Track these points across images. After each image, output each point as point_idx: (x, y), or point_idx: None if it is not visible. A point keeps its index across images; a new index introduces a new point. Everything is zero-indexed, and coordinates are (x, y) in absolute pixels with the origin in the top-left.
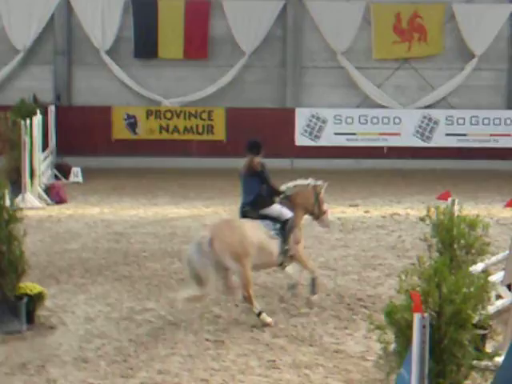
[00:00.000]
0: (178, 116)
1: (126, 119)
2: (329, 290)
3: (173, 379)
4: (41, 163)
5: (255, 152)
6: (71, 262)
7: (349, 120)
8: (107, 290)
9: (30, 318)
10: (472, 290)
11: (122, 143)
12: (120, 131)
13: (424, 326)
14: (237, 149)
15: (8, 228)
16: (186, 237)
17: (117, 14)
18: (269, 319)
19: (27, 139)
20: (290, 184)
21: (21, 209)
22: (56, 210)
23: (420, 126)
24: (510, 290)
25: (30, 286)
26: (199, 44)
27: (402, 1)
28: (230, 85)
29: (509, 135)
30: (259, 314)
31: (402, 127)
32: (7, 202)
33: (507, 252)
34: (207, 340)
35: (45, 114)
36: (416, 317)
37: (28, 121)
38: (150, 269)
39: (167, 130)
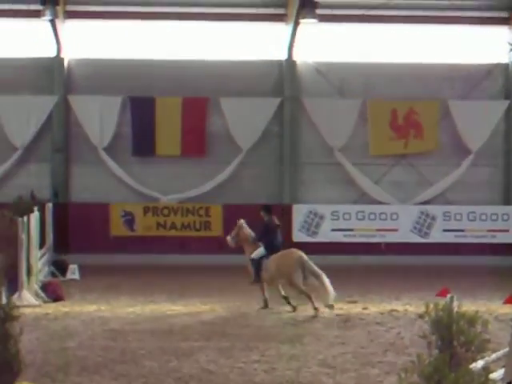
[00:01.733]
0: (176, 213)
1: (123, 216)
2: None
3: None
4: (38, 260)
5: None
6: (68, 360)
7: (346, 216)
8: None
9: None
10: None
11: (119, 240)
12: (118, 228)
13: None
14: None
15: (4, 326)
16: (183, 334)
17: (115, 111)
18: None
19: (24, 236)
20: None
21: (17, 307)
22: (53, 308)
23: (417, 222)
24: None
25: None
26: (197, 141)
27: (397, 97)
28: (227, 181)
29: (506, 231)
30: None
31: (400, 223)
32: (3, 300)
33: (507, 349)
34: None
35: (42, 211)
36: None
37: (25, 218)
38: (147, 367)
39: (164, 227)
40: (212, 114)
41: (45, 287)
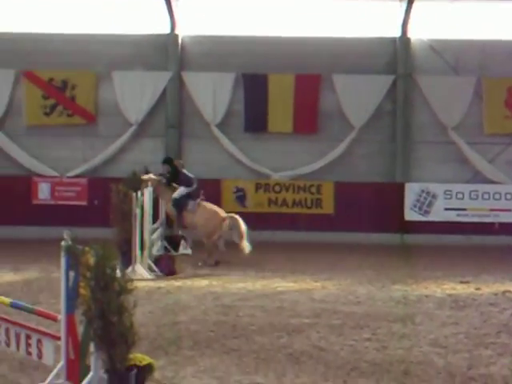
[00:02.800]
0: (287, 189)
1: (235, 192)
2: (439, 368)
3: None
4: (151, 235)
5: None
6: (180, 334)
7: (459, 195)
8: (215, 362)
9: None
10: None
11: None
12: (229, 204)
13: None
14: (345, 223)
15: (119, 299)
16: (293, 311)
17: (228, 88)
18: None
19: (138, 211)
20: None
21: (132, 280)
22: (165, 282)
23: None
24: None
25: (139, 357)
26: (309, 118)
27: None
28: (339, 159)
29: None
30: None
31: None
32: (118, 274)
33: None
34: None
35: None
36: None
37: (139, 193)
38: (258, 343)
39: (276, 203)
40: (324, 91)
41: (158, 261)
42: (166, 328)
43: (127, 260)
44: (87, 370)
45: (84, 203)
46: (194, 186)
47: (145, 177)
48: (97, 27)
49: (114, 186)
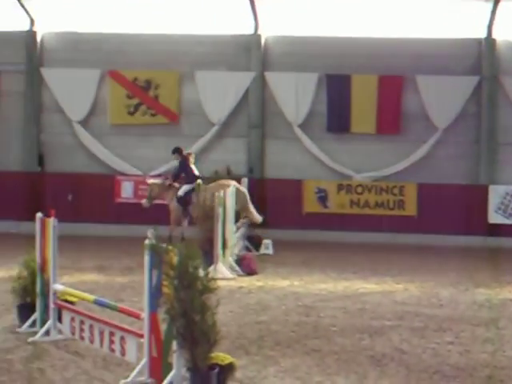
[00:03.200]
0: (369, 191)
1: (316, 193)
2: None
3: None
4: (233, 234)
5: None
6: (261, 334)
7: None
8: (297, 363)
9: None
10: None
11: (312, 216)
12: (311, 204)
13: None
14: (428, 225)
15: (202, 298)
16: (375, 313)
17: (310, 88)
18: None
19: (220, 210)
20: None
21: (214, 279)
22: (247, 282)
23: None
24: None
25: (221, 356)
26: (392, 119)
27: None
28: (422, 160)
29: None
30: None
31: None
32: (201, 273)
33: None
34: None
35: None
36: None
37: (222, 192)
38: (339, 344)
39: (358, 205)
40: (407, 92)
41: (239, 261)
42: (247, 327)
43: (209, 259)
44: (169, 367)
45: (166, 202)
46: (193, 184)
47: (149, 181)
48: (181, 27)
49: (197, 185)
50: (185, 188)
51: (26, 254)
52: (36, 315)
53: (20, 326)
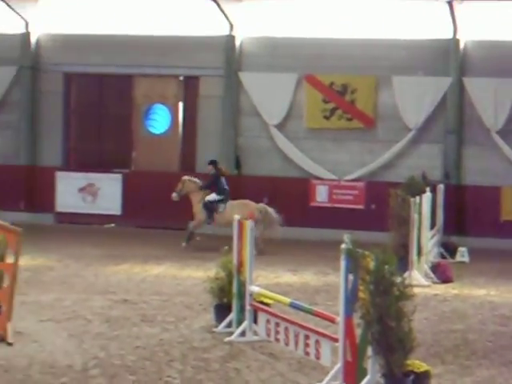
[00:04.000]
0: None
1: None
2: None
3: None
4: (428, 241)
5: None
6: (456, 343)
7: None
8: (493, 374)
9: None
10: None
11: (510, 224)
12: (509, 212)
13: None
14: None
15: (398, 304)
16: None
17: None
18: None
19: (416, 217)
20: None
21: (410, 285)
22: (442, 289)
23: None
24: None
25: (416, 363)
26: None
27: None
28: None
29: None
30: None
31: None
32: (397, 278)
33: None
34: None
35: (433, 192)
36: None
37: (417, 198)
38: None
39: None
40: None
41: (434, 268)
42: (442, 336)
43: (403, 265)
44: (364, 373)
45: (361, 207)
46: (223, 196)
47: (184, 177)
48: (378, 32)
49: (392, 190)
50: (213, 196)
51: (224, 255)
52: (232, 316)
53: (217, 326)
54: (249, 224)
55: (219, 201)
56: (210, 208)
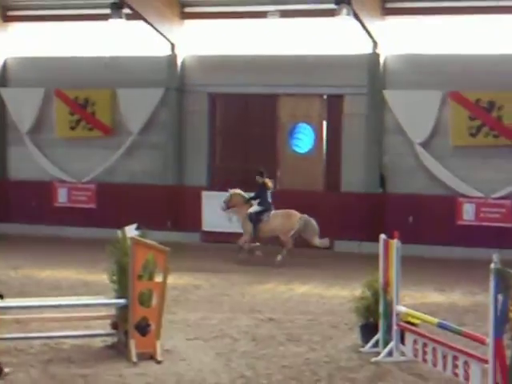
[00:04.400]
0: None
1: None
2: None
3: None
4: None
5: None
6: None
7: None
8: None
9: None
10: None
11: None
12: None
13: None
14: None
15: None
16: None
17: None
18: None
19: None
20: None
21: None
22: None
23: None
24: None
25: None
26: None
27: None
28: None
29: None
30: None
31: None
32: None
33: None
34: None
35: None
36: None
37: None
38: None
39: None
40: None
41: None
42: None
43: None
44: None
45: (509, 225)
46: (265, 207)
47: (231, 190)
48: None
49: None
50: (256, 208)
51: (369, 274)
52: (379, 336)
53: (363, 346)
54: (395, 243)
55: (262, 211)
56: (255, 219)
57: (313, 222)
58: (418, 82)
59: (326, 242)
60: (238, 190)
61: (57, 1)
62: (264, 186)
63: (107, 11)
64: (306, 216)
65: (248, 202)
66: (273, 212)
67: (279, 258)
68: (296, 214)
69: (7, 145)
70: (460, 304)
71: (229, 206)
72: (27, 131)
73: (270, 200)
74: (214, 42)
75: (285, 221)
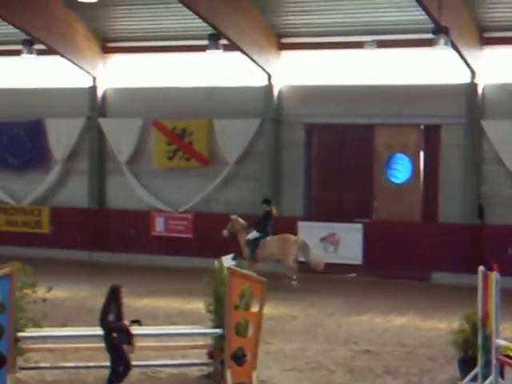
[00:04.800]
0: None
1: None
2: None
3: None
4: None
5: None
6: None
7: None
8: None
9: None
10: None
11: None
12: None
13: None
14: None
15: None
16: None
17: None
18: None
19: None
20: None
21: None
22: None
23: None
24: None
25: None
26: None
27: None
28: None
29: None
30: None
31: None
32: None
33: None
34: None
35: None
36: None
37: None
38: None
39: None
40: None
41: None
42: None
43: None
44: None
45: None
46: (263, 234)
47: (233, 217)
48: None
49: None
50: (254, 234)
51: (468, 306)
52: (477, 369)
53: (461, 380)
54: (494, 275)
55: (259, 238)
56: (252, 245)
57: (308, 243)
58: None
59: (321, 263)
60: (237, 217)
61: (155, 32)
62: (269, 214)
63: (205, 42)
64: (300, 238)
65: (248, 228)
66: (269, 237)
67: (295, 283)
68: (291, 237)
69: (106, 174)
70: None
71: (231, 232)
72: (125, 161)
73: (270, 227)
74: (311, 72)
75: (281, 245)
